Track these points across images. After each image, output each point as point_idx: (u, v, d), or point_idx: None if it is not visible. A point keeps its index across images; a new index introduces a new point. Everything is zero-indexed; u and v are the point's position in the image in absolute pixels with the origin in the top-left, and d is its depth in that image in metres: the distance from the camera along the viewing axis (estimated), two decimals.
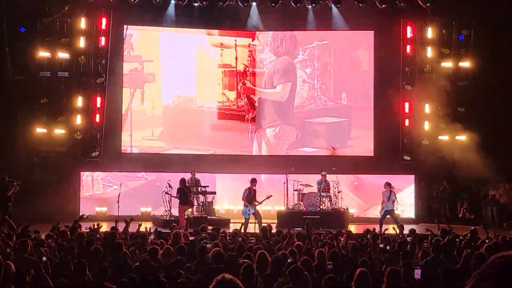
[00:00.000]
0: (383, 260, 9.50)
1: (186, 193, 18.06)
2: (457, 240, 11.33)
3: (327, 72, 22.48)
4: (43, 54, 20.64)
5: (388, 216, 17.83)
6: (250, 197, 17.57)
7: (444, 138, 21.13)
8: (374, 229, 13.99)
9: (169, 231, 12.56)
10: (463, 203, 21.01)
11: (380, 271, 8.08)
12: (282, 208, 19.49)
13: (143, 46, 22.32)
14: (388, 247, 10.77)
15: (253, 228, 16.99)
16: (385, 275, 6.84)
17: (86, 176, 20.97)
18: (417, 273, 7.06)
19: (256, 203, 17.53)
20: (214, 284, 3.01)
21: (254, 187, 17.80)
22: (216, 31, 22.58)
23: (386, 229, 14.52)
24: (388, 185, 18.18)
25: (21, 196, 17.50)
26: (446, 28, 21.45)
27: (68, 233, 11.32)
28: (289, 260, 7.88)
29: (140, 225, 12.79)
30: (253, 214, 17.43)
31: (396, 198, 18.13)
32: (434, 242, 10.21)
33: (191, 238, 11.80)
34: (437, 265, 8.25)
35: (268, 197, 17.79)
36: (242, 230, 15.59)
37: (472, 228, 12.89)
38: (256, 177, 18.77)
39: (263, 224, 15.53)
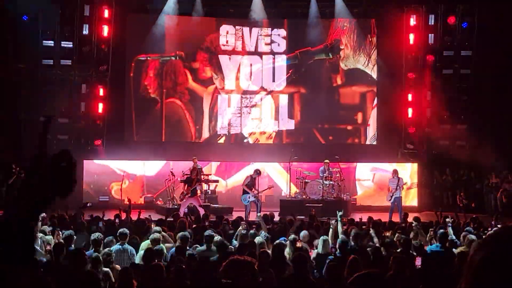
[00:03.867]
0: (385, 248, 9.51)
1: None
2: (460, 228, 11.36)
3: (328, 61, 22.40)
4: (45, 42, 20.63)
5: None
6: (250, 184, 17.55)
7: (447, 126, 21.12)
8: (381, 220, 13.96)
9: (172, 219, 12.66)
10: (461, 191, 21.04)
11: (382, 259, 8.11)
12: (285, 196, 19.55)
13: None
14: (390, 235, 10.79)
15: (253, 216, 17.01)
16: (390, 262, 6.89)
17: None
18: (418, 261, 7.09)
19: (256, 192, 17.53)
20: (228, 262, 3.02)
21: (256, 177, 17.76)
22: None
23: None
24: (395, 172, 18.14)
25: None
26: (449, 16, 21.36)
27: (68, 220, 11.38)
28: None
29: (140, 213, 12.85)
30: (253, 202, 17.42)
31: (404, 183, 18.05)
32: (439, 230, 10.23)
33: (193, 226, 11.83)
34: (443, 253, 8.28)
35: (269, 187, 17.85)
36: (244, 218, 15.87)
37: (474, 216, 12.91)
38: (259, 166, 18.80)
39: (265, 213, 15.53)
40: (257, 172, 17.85)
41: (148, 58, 21.97)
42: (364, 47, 22.07)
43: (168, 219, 12.77)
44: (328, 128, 22.44)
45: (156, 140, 22.09)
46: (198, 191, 17.78)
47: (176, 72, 22.22)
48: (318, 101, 22.00)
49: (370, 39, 22.06)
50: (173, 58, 22.11)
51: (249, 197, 17.40)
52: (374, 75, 22.10)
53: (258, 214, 13.94)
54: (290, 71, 22.02)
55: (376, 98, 22.11)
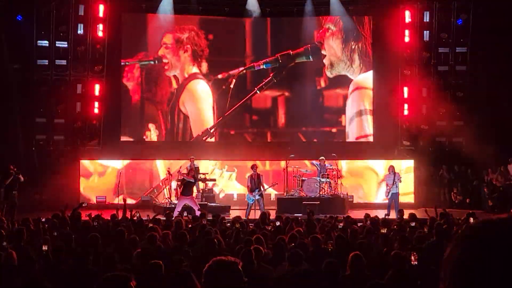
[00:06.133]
0: (382, 245, 9.52)
1: None
2: (456, 224, 11.36)
3: (326, 58, 22.38)
4: (40, 42, 20.58)
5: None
6: (253, 184, 17.48)
7: (443, 123, 21.14)
8: (382, 216, 13.95)
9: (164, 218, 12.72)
10: (457, 187, 21.10)
11: (380, 255, 8.12)
12: (283, 194, 19.49)
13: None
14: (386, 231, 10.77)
15: (253, 214, 16.97)
16: (391, 259, 6.91)
17: None
18: (414, 258, 7.08)
19: (263, 189, 17.48)
20: (211, 264, 2.99)
21: (256, 173, 17.70)
22: None
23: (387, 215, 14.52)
24: (392, 168, 18.07)
25: (20, 184, 17.48)
26: (445, 12, 21.39)
27: (69, 221, 11.37)
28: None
29: (136, 212, 12.84)
30: (257, 200, 17.40)
31: (400, 179, 17.95)
32: (436, 226, 10.23)
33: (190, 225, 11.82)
34: (440, 249, 8.28)
35: (273, 185, 17.70)
36: (244, 217, 15.84)
37: (470, 212, 12.92)
38: (256, 163, 18.71)
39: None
40: (254, 168, 17.80)
41: (127, 63, 21.90)
42: (349, 51, 22.10)
43: (161, 218, 12.81)
44: (313, 131, 22.50)
45: (153, 139, 22.07)
46: (194, 193, 17.71)
47: (160, 76, 22.19)
48: (302, 103, 22.09)
49: (353, 45, 22.05)
50: (151, 62, 22.05)
51: (253, 196, 17.36)
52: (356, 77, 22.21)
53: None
54: (271, 74, 22.06)
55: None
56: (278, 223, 11.38)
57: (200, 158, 20.16)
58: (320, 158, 19.14)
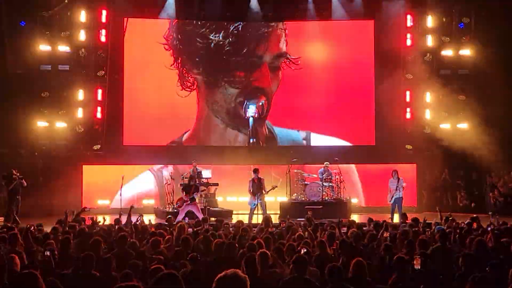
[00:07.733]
0: (385, 249, 9.49)
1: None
2: (459, 227, 11.33)
3: (327, 62, 22.38)
4: (43, 47, 20.60)
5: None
6: (255, 188, 17.38)
7: (446, 126, 21.13)
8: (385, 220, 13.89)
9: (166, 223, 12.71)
10: (461, 191, 21.07)
11: (383, 259, 8.10)
12: (285, 198, 19.44)
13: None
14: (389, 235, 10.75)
15: (256, 219, 16.96)
16: (394, 264, 6.90)
17: None
18: (417, 263, 7.07)
19: (264, 192, 17.40)
20: (219, 278, 2.98)
21: (258, 177, 17.58)
22: None
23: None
24: (395, 173, 17.99)
25: (23, 189, 17.49)
26: (446, 16, 21.41)
27: (77, 225, 11.37)
28: (303, 251, 7.85)
29: (139, 216, 12.83)
30: (259, 204, 17.31)
31: (404, 185, 17.84)
32: (439, 230, 10.21)
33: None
34: (445, 253, 8.27)
35: (273, 187, 17.61)
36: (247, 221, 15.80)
37: (474, 215, 12.91)
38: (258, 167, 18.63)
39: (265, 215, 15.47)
40: (256, 172, 17.69)
41: None
42: None
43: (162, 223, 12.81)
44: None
45: (155, 144, 22.04)
46: (197, 198, 17.64)
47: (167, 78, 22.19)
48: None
49: None
50: None
51: (255, 200, 17.29)
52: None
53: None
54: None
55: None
56: (282, 227, 11.38)
57: (202, 163, 20.10)
58: (325, 163, 19.12)
